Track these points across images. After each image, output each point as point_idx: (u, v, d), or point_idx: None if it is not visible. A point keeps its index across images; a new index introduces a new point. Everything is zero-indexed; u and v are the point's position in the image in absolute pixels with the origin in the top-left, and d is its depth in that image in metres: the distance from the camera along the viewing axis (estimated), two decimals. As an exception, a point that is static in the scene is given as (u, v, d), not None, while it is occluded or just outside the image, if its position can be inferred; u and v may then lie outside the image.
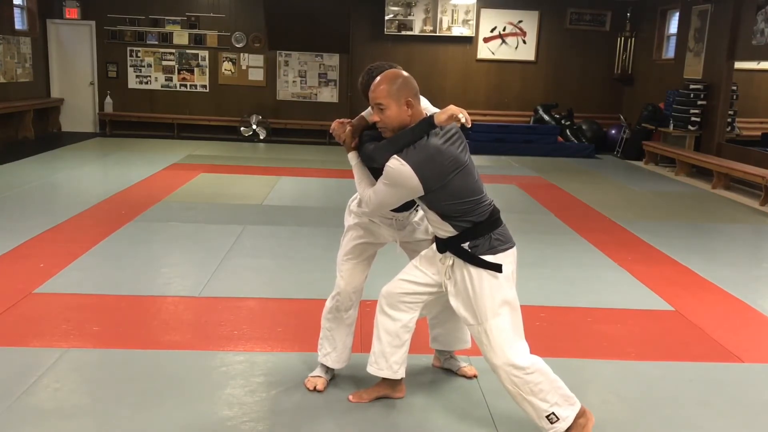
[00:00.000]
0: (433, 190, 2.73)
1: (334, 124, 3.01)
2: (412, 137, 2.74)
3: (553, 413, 2.78)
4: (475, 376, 3.43)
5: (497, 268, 2.78)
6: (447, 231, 2.83)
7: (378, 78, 2.82)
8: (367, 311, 3.85)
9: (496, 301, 2.78)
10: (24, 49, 12.06)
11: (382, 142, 2.84)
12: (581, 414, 2.83)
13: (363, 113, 3.06)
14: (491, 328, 2.79)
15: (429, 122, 2.73)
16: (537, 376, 2.78)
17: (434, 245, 2.96)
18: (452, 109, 2.72)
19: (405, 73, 2.83)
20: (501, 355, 2.79)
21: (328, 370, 3.33)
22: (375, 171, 2.91)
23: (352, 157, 2.98)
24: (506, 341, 2.79)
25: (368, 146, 2.90)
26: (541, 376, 2.78)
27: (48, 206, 7.00)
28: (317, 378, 3.29)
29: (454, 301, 2.89)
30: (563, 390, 2.82)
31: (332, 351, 3.28)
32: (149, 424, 2.93)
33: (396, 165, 2.70)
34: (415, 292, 2.99)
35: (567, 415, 2.79)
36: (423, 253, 3.05)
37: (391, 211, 3.08)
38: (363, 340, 3.63)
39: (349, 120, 3.03)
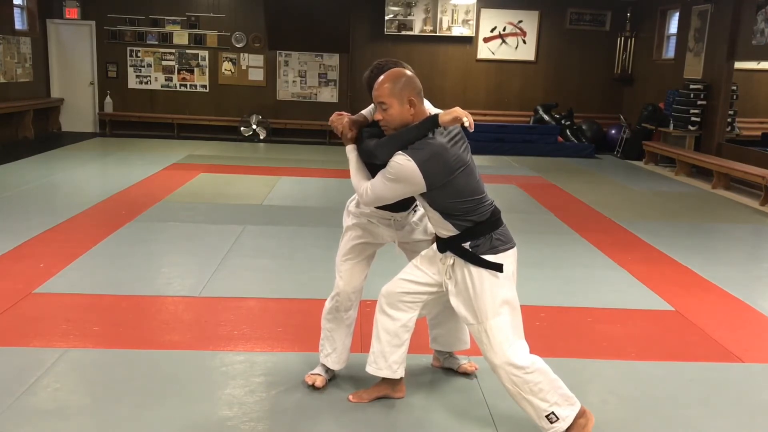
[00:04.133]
0: (436, 187, 2.74)
1: (333, 116, 3.03)
2: (415, 135, 2.75)
3: (552, 413, 2.78)
4: (476, 370, 3.45)
5: (498, 267, 2.78)
6: (448, 230, 2.84)
7: (381, 77, 2.82)
8: (366, 311, 3.85)
9: (496, 301, 2.79)
10: (24, 49, 12.06)
11: (384, 138, 2.84)
12: (581, 414, 2.83)
13: (363, 111, 3.06)
14: (491, 328, 2.79)
15: (433, 121, 2.74)
16: (537, 375, 2.78)
17: (435, 245, 2.96)
18: (457, 111, 2.72)
19: (409, 72, 2.84)
20: (501, 354, 2.79)
21: (328, 369, 3.33)
22: (374, 167, 2.91)
23: (350, 150, 2.99)
24: (506, 341, 2.79)
25: (369, 142, 2.90)
26: (541, 376, 2.78)
27: (48, 206, 7.01)
28: (317, 375, 3.30)
29: (454, 301, 2.89)
30: (563, 390, 2.82)
31: (332, 352, 3.28)
32: (149, 424, 2.93)
33: (402, 161, 2.71)
34: (415, 291, 2.99)
35: (567, 414, 2.79)
36: (423, 252, 3.05)
37: (390, 210, 3.08)
38: (363, 340, 3.63)
39: (348, 114, 3.04)
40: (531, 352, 2.85)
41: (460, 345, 3.44)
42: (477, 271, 2.80)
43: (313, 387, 3.25)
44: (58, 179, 8.47)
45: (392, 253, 3.34)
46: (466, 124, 2.71)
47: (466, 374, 3.45)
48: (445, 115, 2.74)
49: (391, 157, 2.75)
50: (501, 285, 2.80)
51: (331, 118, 3.03)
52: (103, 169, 9.64)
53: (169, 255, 5.56)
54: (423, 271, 2.99)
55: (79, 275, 4.83)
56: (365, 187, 2.88)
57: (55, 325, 3.95)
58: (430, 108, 2.97)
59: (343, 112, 3.04)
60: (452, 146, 2.74)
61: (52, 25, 12.88)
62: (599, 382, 3.53)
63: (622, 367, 3.70)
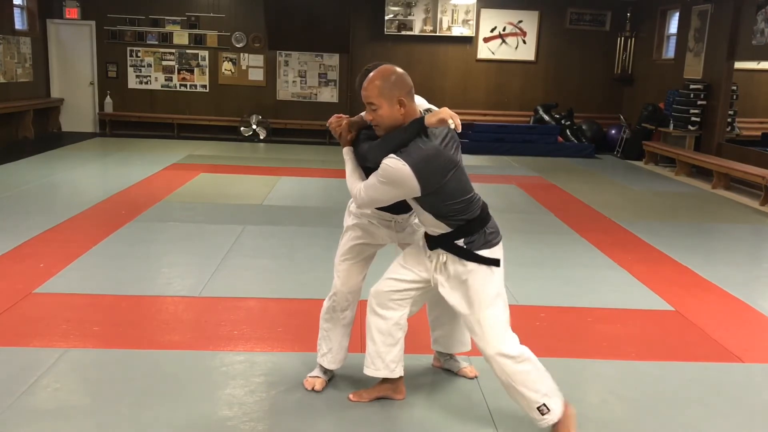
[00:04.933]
0: (431, 191, 2.73)
1: (332, 119, 3.03)
2: (404, 137, 2.73)
3: (544, 404, 2.80)
4: (476, 377, 3.44)
5: (496, 263, 2.80)
6: (441, 229, 2.84)
7: (371, 75, 2.79)
8: (367, 311, 3.84)
9: (491, 293, 2.82)
10: (24, 49, 12.06)
11: (375, 142, 2.84)
12: (565, 407, 2.86)
13: (362, 113, 3.06)
14: (486, 318, 2.81)
15: (419, 123, 2.72)
16: (527, 365, 2.81)
17: (422, 241, 2.96)
18: (444, 113, 2.70)
19: (398, 71, 2.79)
20: (493, 344, 2.81)
21: (326, 370, 3.33)
22: (368, 170, 2.90)
23: (346, 152, 2.99)
24: (499, 331, 2.82)
25: (362, 146, 2.90)
26: (531, 365, 2.82)
27: (48, 206, 7.01)
28: (315, 378, 3.30)
29: (446, 293, 2.90)
30: (551, 382, 2.85)
31: (328, 352, 3.28)
32: (149, 424, 2.93)
33: (395, 164, 2.69)
34: (402, 289, 3.00)
35: (556, 407, 2.82)
36: (408, 250, 3.06)
37: (390, 212, 3.08)
38: (363, 340, 3.61)
39: (347, 116, 3.04)
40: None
41: (460, 347, 3.44)
42: (473, 266, 2.81)
43: (312, 391, 3.25)
44: (58, 179, 8.47)
45: (392, 253, 3.34)
46: (452, 126, 2.70)
47: (466, 377, 3.45)
48: (431, 117, 2.71)
49: (381, 160, 2.74)
50: (495, 278, 2.83)
51: (329, 121, 3.03)
52: (103, 169, 9.64)
53: (169, 255, 5.56)
54: (409, 268, 2.99)
55: (79, 275, 4.83)
56: (359, 189, 2.87)
57: (55, 325, 3.95)
58: (423, 104, 2.95)
59: (341, 115, 3.03)
60: (444, 148, 2.73)
61: (52, 25, 12.88)
62: (599, 382, 3.53)
63: (622, 367, 3.70)
